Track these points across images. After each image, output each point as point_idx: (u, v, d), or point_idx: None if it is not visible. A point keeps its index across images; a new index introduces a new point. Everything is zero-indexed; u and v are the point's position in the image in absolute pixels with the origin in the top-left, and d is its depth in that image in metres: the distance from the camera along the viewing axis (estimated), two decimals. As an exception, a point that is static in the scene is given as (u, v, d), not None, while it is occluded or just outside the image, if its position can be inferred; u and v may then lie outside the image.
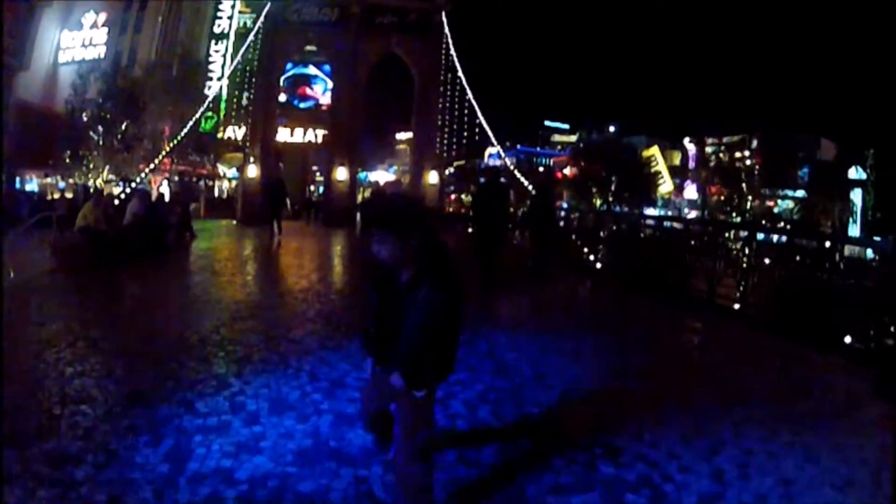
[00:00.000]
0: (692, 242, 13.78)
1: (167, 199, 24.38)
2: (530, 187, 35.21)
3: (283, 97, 45.25)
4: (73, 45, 49.24)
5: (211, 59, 49.15)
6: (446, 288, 3.19)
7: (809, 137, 58.98)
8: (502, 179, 13.75)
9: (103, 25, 49.52)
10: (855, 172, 52.64)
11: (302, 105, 48.38)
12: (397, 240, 3.19)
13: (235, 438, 4.55)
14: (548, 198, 15.18)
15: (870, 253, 14.62)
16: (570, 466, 4.33)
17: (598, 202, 67.80)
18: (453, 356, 3.43)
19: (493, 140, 44.56)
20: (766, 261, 11.97)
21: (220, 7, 50.33)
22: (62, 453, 4.22)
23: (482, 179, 15.47)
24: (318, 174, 63.42)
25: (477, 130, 42.80)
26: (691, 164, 78.11)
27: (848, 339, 8.65)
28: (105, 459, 4.15)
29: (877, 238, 38.23)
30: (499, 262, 12.41)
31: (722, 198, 64.37)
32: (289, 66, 45.80)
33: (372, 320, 3.47)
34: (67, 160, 38.92)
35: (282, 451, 4.38)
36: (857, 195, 52.72)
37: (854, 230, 51.82)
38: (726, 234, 14.18)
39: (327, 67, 45.78)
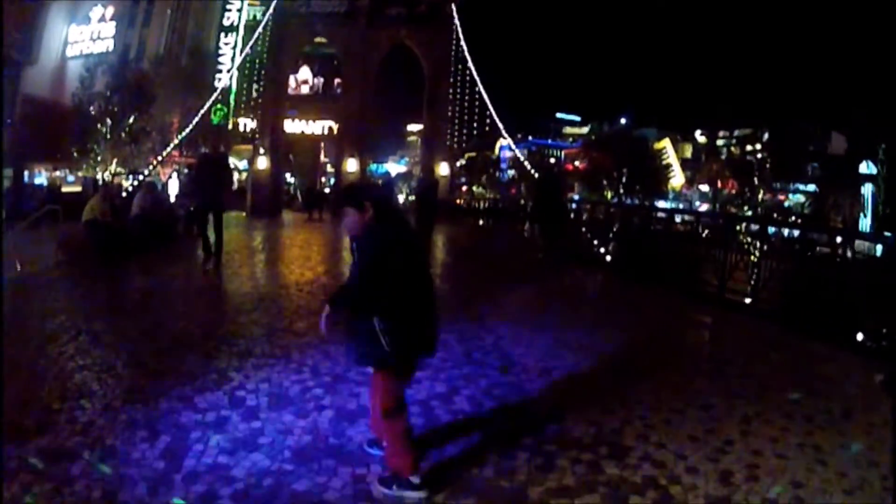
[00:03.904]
0: (703, 236, 13.62)
1: (176, 190, 24.34)
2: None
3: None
4: (82, 38, 49.36)
5: (220, 52, 49.18)
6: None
7: (820, 131, 58.60)
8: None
9: (111, 19, 49.62)
10: (866, 167, 52.13)
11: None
12: (355, 210, 3.74)
13: (233, 434, 4.49)
14: (555, 190, 14.98)
15: (879, 249, 14.43)
16: (573, 467, 4.22)
17: (609, 194, 67.65)
18: (430, 334, 3.93)
19: (504, 132, 44.54)
20: (778, 255, 11.81)
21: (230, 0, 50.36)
22: (58, 448, 4.19)
23: (536, 175, 15.31)
24: (328, 166, 63.48)
25: (488, 122, 42.78)
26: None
27: (860, 337, 8.51)
28: (101, 455, 4.11)
29: (887, 234, 37.97)
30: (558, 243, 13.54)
31: (734, 191, 64.04)
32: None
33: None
34: (75, 154, 38.95)
35: (280, 447, 4.32)
36: (867, 190, 52.22)
37: (865, 225, 51.35)
38: (737, 228, 14.02)
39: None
